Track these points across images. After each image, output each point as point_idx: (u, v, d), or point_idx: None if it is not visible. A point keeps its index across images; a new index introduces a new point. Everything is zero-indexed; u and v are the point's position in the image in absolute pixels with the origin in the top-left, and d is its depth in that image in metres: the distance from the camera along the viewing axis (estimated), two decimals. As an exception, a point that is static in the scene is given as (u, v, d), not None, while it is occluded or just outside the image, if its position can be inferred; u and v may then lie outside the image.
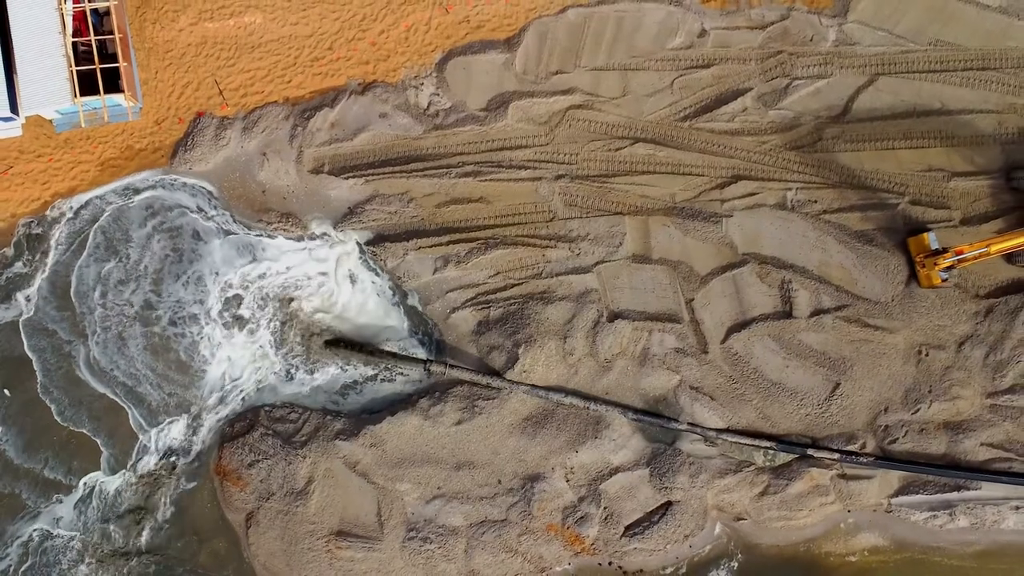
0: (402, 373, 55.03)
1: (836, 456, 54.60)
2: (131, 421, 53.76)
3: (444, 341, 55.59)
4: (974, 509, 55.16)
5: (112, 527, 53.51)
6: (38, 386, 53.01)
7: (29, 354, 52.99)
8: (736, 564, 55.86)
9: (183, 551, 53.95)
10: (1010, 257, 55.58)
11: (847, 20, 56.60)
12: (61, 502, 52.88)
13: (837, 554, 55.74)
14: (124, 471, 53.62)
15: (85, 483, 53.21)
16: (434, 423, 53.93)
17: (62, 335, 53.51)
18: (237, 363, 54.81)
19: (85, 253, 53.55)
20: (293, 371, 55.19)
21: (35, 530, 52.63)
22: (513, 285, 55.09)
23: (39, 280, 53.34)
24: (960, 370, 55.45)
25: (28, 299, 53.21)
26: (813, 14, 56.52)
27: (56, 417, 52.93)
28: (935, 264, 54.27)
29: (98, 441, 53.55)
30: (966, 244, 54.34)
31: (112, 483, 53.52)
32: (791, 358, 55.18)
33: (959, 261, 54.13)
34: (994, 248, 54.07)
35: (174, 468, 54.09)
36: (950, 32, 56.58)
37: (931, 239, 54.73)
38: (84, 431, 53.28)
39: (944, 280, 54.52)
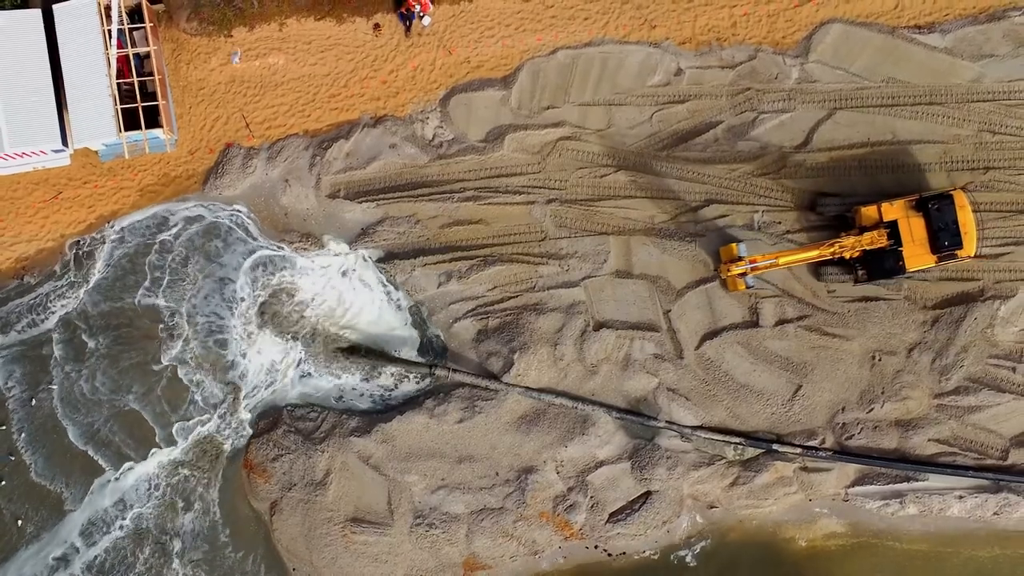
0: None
1: (798, 451, 55.91)
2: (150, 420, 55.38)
3: (448, 348, 56.78)
4: (922, 498, 56.60)
5: (152, 511, 55.40)
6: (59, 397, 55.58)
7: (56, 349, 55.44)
8: (706, 546, 56.71)
9: (215, 536, 55.53)
10: (817, 270, 56.31)
11: (808, 60, 57.56)
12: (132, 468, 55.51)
13: (799, 538, 57.07)
14: (161, 456, 55.46)
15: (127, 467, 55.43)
16: (439, 421, 55.35)
17: (97, 338, 55.61)
18: (263, 368, 56.27)
19: (140, 267, 55.54)
20: (313, 375, 56.44)
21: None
22: (509, 298, 56.45)
23: (82, 293, 55.26)
24: (910, 374, 56.63)
25: (76, 301, 55.27)
26: (778, 55, 57.66)
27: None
28: (728, 271, 54.33)
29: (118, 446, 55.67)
30: (759, 255, 54.36)
31: (149, 470, 55.49)
32: (758, 363, 56.47)
33: (752, 269, 53.95)
34: (782, 260, 54.09)
35: (210, 460, 55.83)
36: (901, 71, 57.64)
37: (740, 248, 54.53)
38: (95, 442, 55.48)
39: (750, 286, 54.74)
